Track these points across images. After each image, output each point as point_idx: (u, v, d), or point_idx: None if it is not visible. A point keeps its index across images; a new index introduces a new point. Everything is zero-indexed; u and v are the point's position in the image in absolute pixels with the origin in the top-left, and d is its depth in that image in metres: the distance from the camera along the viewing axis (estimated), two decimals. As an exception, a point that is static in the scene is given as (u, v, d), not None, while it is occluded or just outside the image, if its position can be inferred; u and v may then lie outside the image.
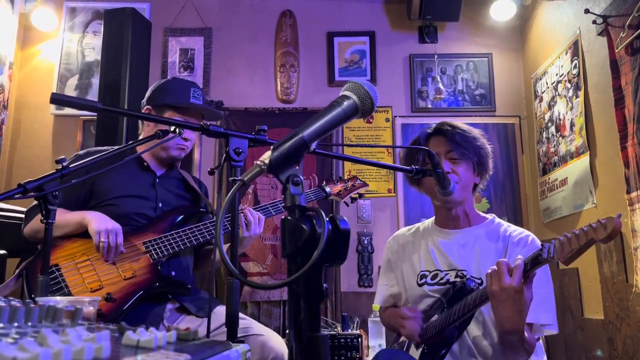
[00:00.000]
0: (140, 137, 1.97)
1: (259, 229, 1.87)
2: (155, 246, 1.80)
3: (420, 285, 1.73)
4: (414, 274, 1.76)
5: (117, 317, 1.64)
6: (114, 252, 1.72)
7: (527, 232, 1.70)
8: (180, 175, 2.08)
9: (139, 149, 1.96)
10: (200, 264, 2.07)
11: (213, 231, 1.86)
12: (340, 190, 2.17)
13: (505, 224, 1.76)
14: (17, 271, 1.71)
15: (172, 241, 1.82)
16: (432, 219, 1.86)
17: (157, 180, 1.98)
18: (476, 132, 1.77)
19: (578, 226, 1.12)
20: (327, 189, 2.12)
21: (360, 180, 2.25)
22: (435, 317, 1.62)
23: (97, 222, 1.72)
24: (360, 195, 2.25)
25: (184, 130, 1.94)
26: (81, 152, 1.93)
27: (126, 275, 1.72)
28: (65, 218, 1.75)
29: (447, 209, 1.75)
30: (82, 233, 1.76)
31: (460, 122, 1.80)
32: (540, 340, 1.69)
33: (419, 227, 1.90)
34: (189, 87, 1.97)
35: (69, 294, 1.64)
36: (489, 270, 1.39)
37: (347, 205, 2.24)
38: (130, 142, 1.75)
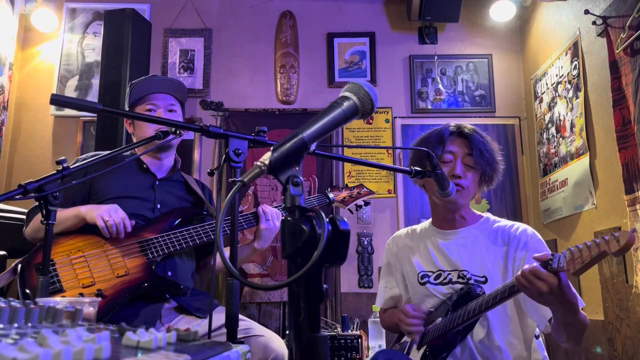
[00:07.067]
0: (135, 141, 1.97)
1: (278, 222, 1.90)
2: (151, 245, 1.80)
3: (422, 284, 1.73)
4: (415, 274, 1.76)
5: (107, 313, 1.64)
6: (123, 227, 1.73)
7: (523, 226, 1.71)
8: (182, 178, 2.08)
9: (138, 150, 1.96)
10: (201, 270, 2.07)
11: (210, 233, 1.86)
12: (345, 197, 2.15)
13: (500, 221, 1.77)
14: (13, 265, 1.72)
15: (167, 241, 1.81)
16: (430, 220, 1.87)
17: (157, 182, 1.98)
18: (495, 146, 1.77)
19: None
20: (331, 196, 2.11)
21: (367, 188, 2.20)
22: (439, 320, 1.62)
23: (94, 208, 1.75)
24: (367, 203, 2.20)
25: (161, 109, 1.99)
26: (82, 156, 1.94)
27: (119, 273, 1.72)
28: (61, 215, 1.75)
29: (445, 210, 1.75)
30: (79, 230, 1.77)
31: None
32: (541, 338, 1.70)
33: (416, 228, 1.91)
34: (148, 79, 2.04)
35: (61, 288, 1.64)
36: (518, 283, 1.35)
37: (352, 212, 2.19)
38: (130, 144, 1.75)
